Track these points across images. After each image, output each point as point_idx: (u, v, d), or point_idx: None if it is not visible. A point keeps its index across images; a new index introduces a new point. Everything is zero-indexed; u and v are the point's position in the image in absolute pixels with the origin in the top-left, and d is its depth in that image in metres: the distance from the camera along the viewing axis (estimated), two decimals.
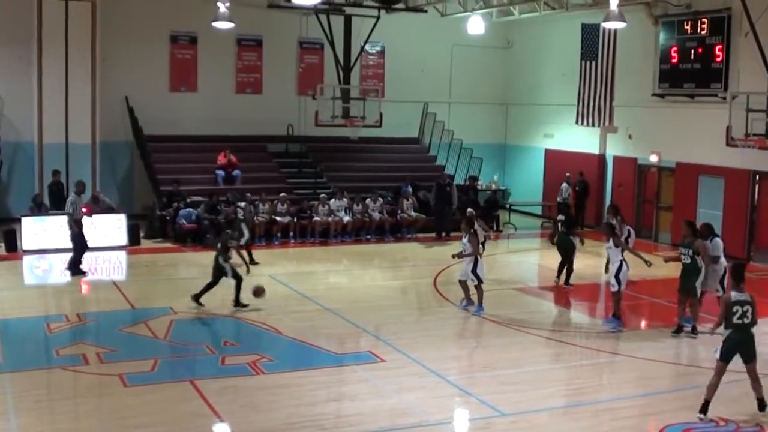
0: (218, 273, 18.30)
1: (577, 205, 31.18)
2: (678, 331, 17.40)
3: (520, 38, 36.20)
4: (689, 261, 17.18)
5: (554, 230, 22.56)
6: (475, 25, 31.36)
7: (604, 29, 29.65)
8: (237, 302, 18.17)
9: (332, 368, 14.71)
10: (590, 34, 30.87)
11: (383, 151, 33.47)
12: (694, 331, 17.23)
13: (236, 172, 29.34)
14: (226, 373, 14.22)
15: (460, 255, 18.72)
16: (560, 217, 22.40)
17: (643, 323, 19.25)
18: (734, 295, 12.71)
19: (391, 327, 17.36)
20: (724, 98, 24.98)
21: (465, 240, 18.66)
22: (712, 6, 26.85)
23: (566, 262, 21.52)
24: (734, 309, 12.57)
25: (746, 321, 12.61)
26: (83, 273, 21.75)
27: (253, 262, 21.89)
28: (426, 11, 31.56)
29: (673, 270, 24.12)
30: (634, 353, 16.24)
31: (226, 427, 12.02)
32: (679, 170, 28.56)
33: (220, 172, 29.18)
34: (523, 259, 26.96)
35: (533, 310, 19.64)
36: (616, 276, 17.61)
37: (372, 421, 12.07)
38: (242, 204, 25.83)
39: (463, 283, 18.99)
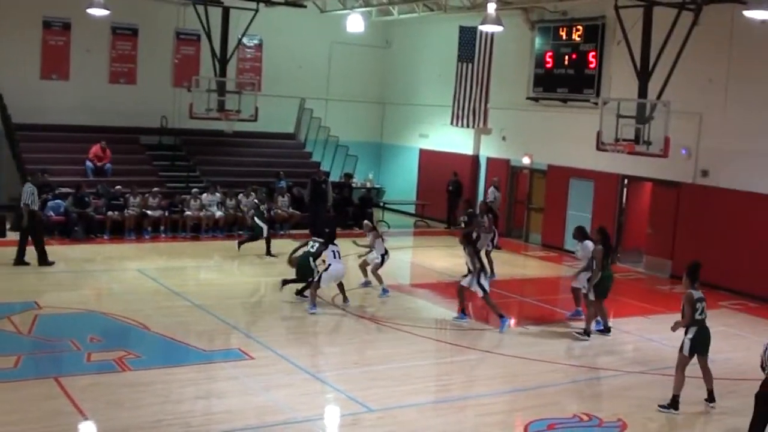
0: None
1: (450, 205, 31.55)
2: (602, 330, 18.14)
3: (398, 38, 36.44)
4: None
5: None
6: (355, 23, 31.41)
7: (481, 32, 29.98)
8: None
9: (201, 365, 14.53)
10: (467, 37, 31.20)
11: (258, 146, 33.30)
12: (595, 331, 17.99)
13: (107, 165, 28.77)
14: (92, 369, 13.92)
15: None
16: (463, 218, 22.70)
17: (511, 322, 19.54)
18: (694, 293, 13.50)
19: (262, 324, 17.33)
20: (596, 104, 25.56)
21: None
22: (587, 14, 27.50)
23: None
24: (697, 306, 13.42)
25: (704, 316, 13.54)
26: None
27: None
28: (305, 6, 31.45)
29: (541, 270, 24.72)
30: (501, 351, 16.55)
31: (91, 425, 11.72)
32: (551, 172, 29.16)
33: (90, 164, 28.57)
34: (395, 256, 27.05)
35: (405, 307, 19.77)
36: (478, 283, 17.86)
37: (240, 418, 11.99)
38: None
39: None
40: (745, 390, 14.66)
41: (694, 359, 13.61)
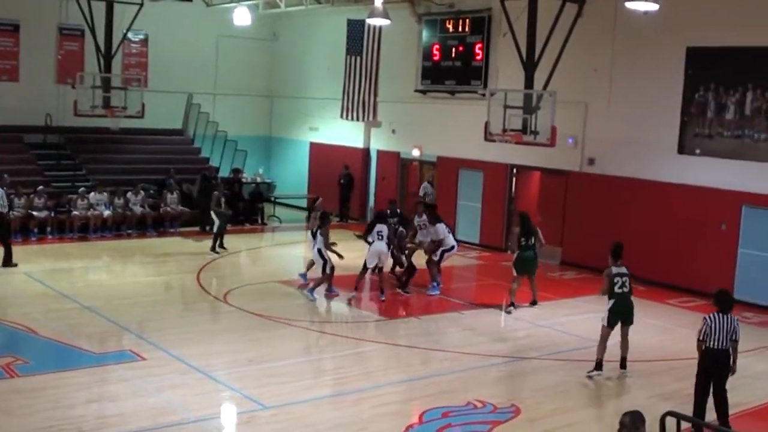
0: None
1: (342, 198, 31.60)
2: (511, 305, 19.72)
3: (286, 31, 36.27)
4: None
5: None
6: (241, 16, 31.13)
7: (369, 25, 30.08)
8: None
9: (92, 368, 14.25)
10: (356, 30, 31.27)
11: (146, 142, 32.78)
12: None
13: None
14: None
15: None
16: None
17: (402, 312, 19.69)
18: (614, 269, 14.78)
19: (153, 324, 17.06)
20: (484, 95, 25.82)
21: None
22: (473, 6, 27.80)
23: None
24: (615, 280, 14.68)
25: (625, 290, 14.77)
26: None
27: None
28: (191, 0, 31.10)
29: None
30: (395, 341, 16.68)
31: None
32: (441, 164, 29.41)
33: None
34: (287, 251, 27.05)
35: (298, 302, 19.71)
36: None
37: (133, 421, 11.80)
38: None
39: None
40: (635, 372, 15.09)
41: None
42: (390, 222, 21.22)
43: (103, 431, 11.50)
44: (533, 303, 20.08)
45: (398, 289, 20.89)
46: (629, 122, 23.76)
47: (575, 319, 19.13)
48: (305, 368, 14.88)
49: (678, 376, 15.08)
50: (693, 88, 22.42)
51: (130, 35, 31.55)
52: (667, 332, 17.86)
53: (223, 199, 25.66)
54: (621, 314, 14.83)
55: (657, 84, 23.18)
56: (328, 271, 19.57)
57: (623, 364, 15.03)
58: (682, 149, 22.70)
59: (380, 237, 19.72)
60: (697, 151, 22.37)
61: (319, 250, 19.54)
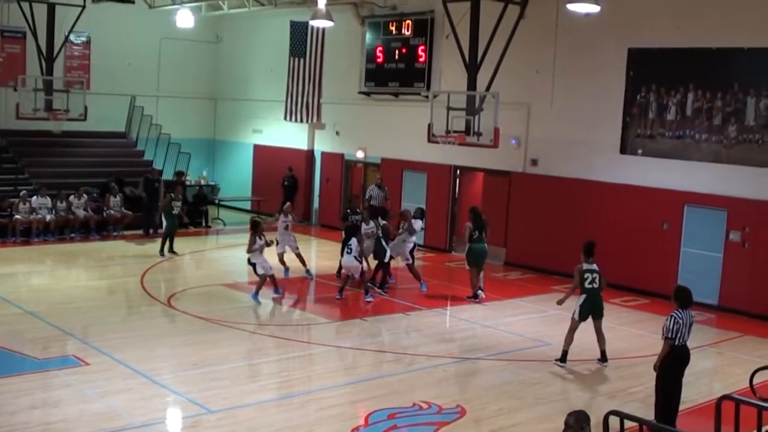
0: None
1: (285, 200, 31.50)
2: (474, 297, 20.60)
3: (229, 33, 36.16)
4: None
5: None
6: (184, 18, 30.98)
7: (312, 27, 30.05)
8: None
9: (34, 374, 14.07)
10: (299, 32, 31.22)
11: (89, 145, 32.48)
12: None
13: None
14: None
15: None
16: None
17: (348, 314, 19.71)
18: (585, 265, 15.62)
19: (97, 329, 16.90)
20: (427, 97, 25.93)
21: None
22: (416, 8, 27.90)
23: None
24: (585, 276, 15.53)
25: (595, 286, 15.56)
26: None
27: None
28: (133, 2, 30.82)
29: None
30: (340, 343, 16.69)
31: None
32: (385, 165, 29.45)
33: None
34: (231, 254, 26.90)
35: (242, 305, 19.64)
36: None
37: (76, 427, 11.68)
38: None
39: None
40: (579, 371, 15.23)
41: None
42: (356, 223, 21.84)
43: None
44: (476, 296, 20.65)
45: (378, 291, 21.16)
46: (572, 123, 23.99)
47: (520, 319, 19.27)
48: (250, 371, 14.84)
49: (622, 374, 15.29)
50: (634, 88, 22.67)
51: (72, 37, 31.28)
52: (611, 331, 17.97)
53: (176, 203, 25.37)
54: (591, 308, 15.60)
55: (599, 85, 23.41)
56: (260, 271, 19.62)
57: (604, 357, 15.76)
58: (624, 149, 22.95)
59: (349, 251, 19.90)
60: (639, 152, 22.63)
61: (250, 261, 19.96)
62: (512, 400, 13.74)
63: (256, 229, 19.90)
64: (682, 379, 12.47)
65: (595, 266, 15.71)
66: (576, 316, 15.59)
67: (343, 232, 21.93)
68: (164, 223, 25.26)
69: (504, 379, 14.88)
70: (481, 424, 12.65)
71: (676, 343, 12.13)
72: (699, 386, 14.92)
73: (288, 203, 23.73)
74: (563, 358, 15.55)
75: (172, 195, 25.60)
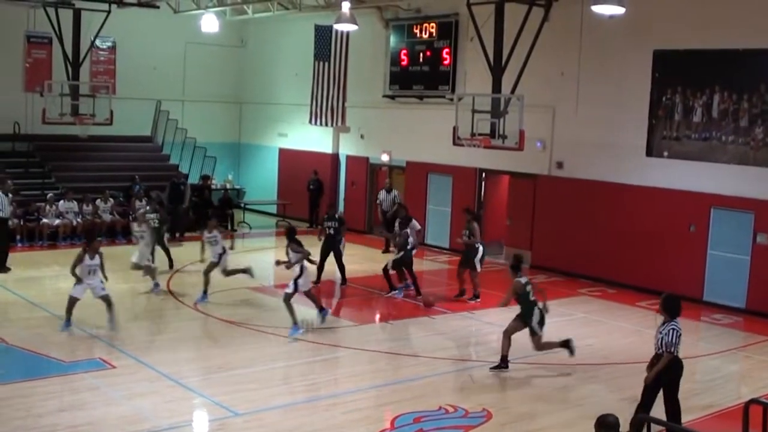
0: None
1: (312, 203, 31.59)
2: (460, 294, 20.98)
3: (254, 37, 36.27)
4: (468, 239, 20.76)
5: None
6: (209, 23, 31.06)
7: (336, 31, 30.10)
8: None
9: (61, 377, 14.16)
10: (323, 35, 31.26)
11: (115, 149, 32.56)
12: (477, 297, 20.66)
13: None
14: None
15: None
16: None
17: (377, 316, 19.71)
18: (523, 278, 15.57)
19: (123, 332, 16.96)
20: (452, 100, 25.94)
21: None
22: (440, 11, 27.86)
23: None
24: (527, 288, 15.43)
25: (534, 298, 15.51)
26: None
27: None
28: (158, 7, 30.92)
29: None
30: (365, 347, 16.67)
31: None
32: (410, 169, 29.47)
33: None
34: (257, 257, 26.95)
35: (268, 308, 19.67)
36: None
37: (104, 429, 11.76)
38: None
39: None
40: (605, 375, 15.17)
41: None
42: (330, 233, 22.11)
43: None
44: (461, 294, 21.16)
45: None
46: (597, 125, 23.90)
47: (546, 323, 19.17)
48: (276, 375, 14.85)
49: None
50: (660, 90, 22.56)
51: (97, 42, 31.45)
52: (636, 334, 17.93)
53: (150, 215, 23.07)
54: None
55: (624, 87, 23.31)
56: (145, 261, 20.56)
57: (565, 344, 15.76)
58: (650, 152, 22.84)
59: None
60: (665, 154, 22.52)
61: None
62: (538, 404, 13.71)
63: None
64: (678, 392, 11.89)
65: (526, 278, 15.80)
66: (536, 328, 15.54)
67: (322, 243, 22.14)
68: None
69: (530, 383, 14.86)
70: (506, 427, 12.62)
71: (677, 354, 11.66)
72: (727, 390, 14.86)
73: (213, 219, 21.77)
74: (502, 362, 15.38)
75: (148, 208, 23.89)
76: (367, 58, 30.64)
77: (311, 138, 33.10)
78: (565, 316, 19.83)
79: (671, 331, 11.59)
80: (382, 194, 28.05)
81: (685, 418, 12.38)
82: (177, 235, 28.27)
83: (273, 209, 34.33)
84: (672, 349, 11.56)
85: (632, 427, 9.42)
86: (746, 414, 9.41)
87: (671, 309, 11.77)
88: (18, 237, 26.06)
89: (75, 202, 27.27)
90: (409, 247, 21.02)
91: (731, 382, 15.64)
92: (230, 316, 18.44)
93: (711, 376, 15.96)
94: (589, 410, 12.55)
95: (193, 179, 31.54)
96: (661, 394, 11.75)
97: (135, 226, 21.84)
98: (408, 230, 21.50)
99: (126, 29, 32.47)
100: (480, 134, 22.18)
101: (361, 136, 31.51)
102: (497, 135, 22.02)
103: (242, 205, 33.79)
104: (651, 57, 22.66)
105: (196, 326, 18.11)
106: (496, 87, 22.56)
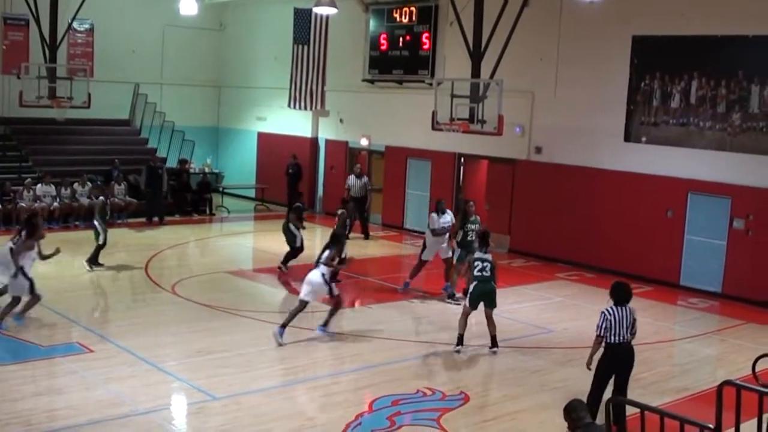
0: None
1: (290, 187, 31.53)
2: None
3: (232, 21, 36.11)
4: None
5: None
6: (188, 6, 30.76)
7: (316, 14, 30.00)
8: None
9: (38, 361, 14.14)
10: (302, 19, 31.15)
11: (92, 133, 32.44)
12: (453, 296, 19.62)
13: None
14: None
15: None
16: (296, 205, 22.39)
17: (357, 301, 19.73)
18: (477, 254, 15.61)
19: (101, 316, 17.00)
20: (431, 84, 25.93)
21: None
22: None
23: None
24: (476, 264, 15.40)
25: (485, 274, 15.36)
26: None
27: None
28: None
29: (382, 249, 24.93)
30: (344, 330, 16.67)
31: None
32: (389, 153, 29.46)
33: None
34: (236, 242, 26.97)
35: (246, 292, 19.69)
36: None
37: (82, 413, 11.72)
38: None
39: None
40: (581, 358, 15.22)
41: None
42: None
43: (51, 424, 11.41)
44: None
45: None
46: (576, 111, 23.97)
47: (524, 306, 19.29)
48: (254, 358, 14.82)
49: None
50: (639, 76, 22.64)
51: (75, 24, 31.17)
52: None
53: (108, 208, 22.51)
54: (481, 297, 15.44)
55: (603, 72, 23.37)
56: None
57: (494, 343, 15.59)
58: (628, 137, 22.93)
59: (317, 264, 16.87)
60: (643, 139, 22.61)
61: None
62: (516, 387, 13.78)
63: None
64: (622, 381, 11.78)
65: (489, 256, 15.61)
66: (467, 303, 15.61)
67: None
68: (100, 234, 21.51)
69: (508, 366, 14.93)
70: (484, 410, 12.71)
71: (611, 340, 11.59)
72: (702, 373, 14.98)
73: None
74: (459, 341, 15.53)
75: (104, 200, 22.50)
76: (346, 42, 30.57)
77: (290, 122, 33.02)
78: (543, 300, 19.94)
79: (601, 314, 11.72)
80: (352, 179, 27.59)
81: (661, 401, 12.52)
82: (154, 219, 28.18)
83: (252, 193, 34.29)
84: (598, 332, 11.69)
85: (606, 411, 9.46)
86: (720, 395, 9.46)
87: (612, 292, 11.86)
88: None
89: (53, 186, 27.13)
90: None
91: (707, 365, 15.76)
92: (209, 299, 18.41)
93: (687, 360, 16.09)
94: (566, 393, 12.59)
95: (172, 163, 31.46)
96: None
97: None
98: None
99: (104, 11, 32.29)
100: (459, 119, 22.15)
101: (341, 121, 31.47)
102: (476, 120, 21.99)
103: (221, 189, 33.72)
104: (630, 42, 22.71)
105: (174, 310, 18.04)
106: (476, 72, 22.54)
